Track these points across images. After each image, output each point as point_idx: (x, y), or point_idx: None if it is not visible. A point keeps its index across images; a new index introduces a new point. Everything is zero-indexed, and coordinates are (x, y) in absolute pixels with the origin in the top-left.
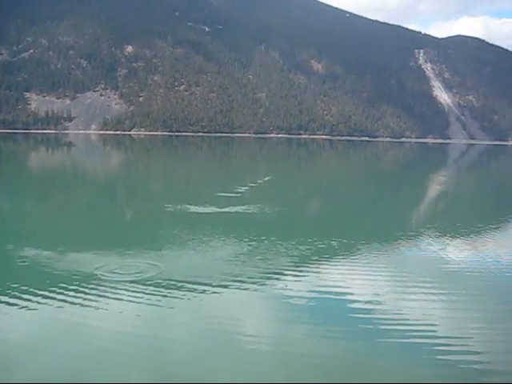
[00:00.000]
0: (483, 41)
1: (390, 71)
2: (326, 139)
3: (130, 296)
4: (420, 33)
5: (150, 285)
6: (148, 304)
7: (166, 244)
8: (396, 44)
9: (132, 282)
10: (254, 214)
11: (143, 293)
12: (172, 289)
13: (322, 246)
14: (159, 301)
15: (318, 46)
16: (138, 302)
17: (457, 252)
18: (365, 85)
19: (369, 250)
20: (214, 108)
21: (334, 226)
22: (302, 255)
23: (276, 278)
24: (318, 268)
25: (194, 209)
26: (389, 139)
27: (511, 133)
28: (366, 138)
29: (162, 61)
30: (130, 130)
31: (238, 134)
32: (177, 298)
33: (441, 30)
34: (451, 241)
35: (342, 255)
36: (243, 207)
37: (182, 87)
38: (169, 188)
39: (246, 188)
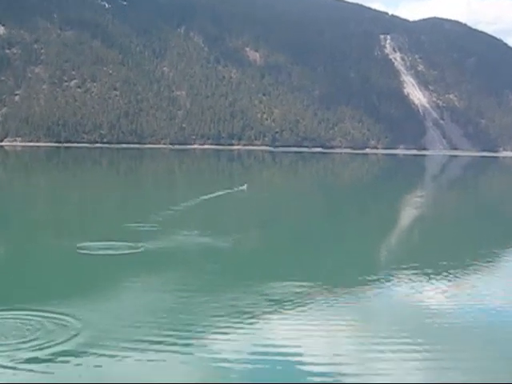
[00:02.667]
0: (465, 25)
1: (349, 62)
2: (266, 151)
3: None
4: (386, 14)
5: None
6: None
7: (58, 296)
8: (356, 28)
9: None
10: (176, 252)
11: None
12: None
13: (267, 291)
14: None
15: (254, 29)
16: None
17: (432, 297)
18: (316, 80)
19: (327, 297)
20: (116, 111)
21: (282, 267)
22: (241, 304)
23: (206, 337)
24: (262, 320)
25: (91, 246)
26: (349, 150)
27: (503, 141)
28: (319, 149)
29: (46, 47)
30: (1, 141)
31: (150, 146)
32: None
33: (412, 10)
34: (426, 282)
35: (293, 303)
36: (161, 243)
37: (74, 82)
38: (55, 217)
39: (163, 216)
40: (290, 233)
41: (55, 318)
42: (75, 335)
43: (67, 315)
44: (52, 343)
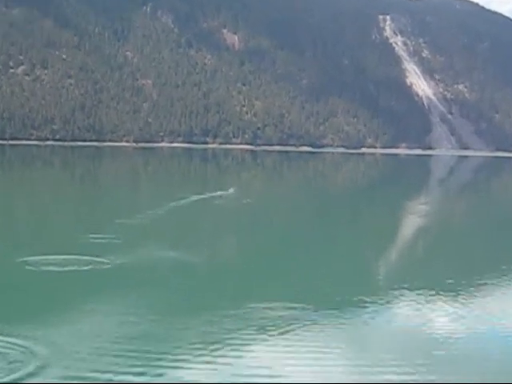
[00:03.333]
0: (477, 5)
1: (343, 47)
2: (246, 150)
3: None
4: None
5: None
6: None
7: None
8: (351, 6)
9: None
10: (143, 268)
11: None
12: None
13: (249, 313)
14: None
15: (232, 8)
16: None
17: (437, 320)
18: (304, 67)
19: (316, 320)
20: (71, 102)
21: (266, 284)
22: (218, 329)
23: (180, 365)
24: (243, 348)
25: (40, 261)
26: (342, 150)
27: None
28: (308, 149)
29: None
30: None
31: (110, 143)
32: None
33: None
34: (430, 303)
35: (278, 327)
36: (125, 258)
37: (21, 69)
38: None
39: (127, 226)
40: (275, 246)
41: None
42: (15, 369)
43: (6, 344)
44: None
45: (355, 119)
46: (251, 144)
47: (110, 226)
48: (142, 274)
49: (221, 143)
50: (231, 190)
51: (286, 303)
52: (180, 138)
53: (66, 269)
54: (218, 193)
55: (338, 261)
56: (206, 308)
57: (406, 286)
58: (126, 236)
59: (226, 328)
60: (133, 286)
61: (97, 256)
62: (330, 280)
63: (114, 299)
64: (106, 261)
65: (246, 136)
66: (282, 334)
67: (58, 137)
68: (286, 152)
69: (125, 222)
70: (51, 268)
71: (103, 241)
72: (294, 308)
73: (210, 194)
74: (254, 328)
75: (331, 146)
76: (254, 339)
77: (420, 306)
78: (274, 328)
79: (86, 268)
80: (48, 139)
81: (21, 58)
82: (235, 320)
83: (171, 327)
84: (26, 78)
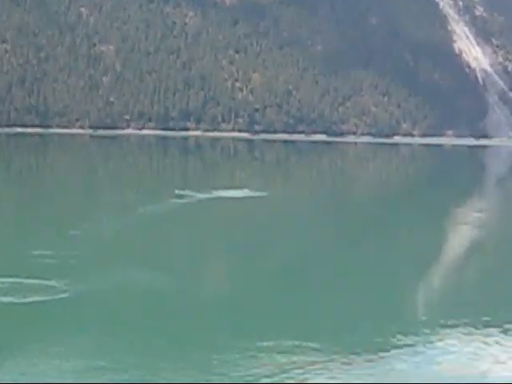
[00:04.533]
0: None
1: (368, 1)
2: (240, 139)
3: None
4: None
5: None
6: None
7: None
8: None
9: None
10: (108, 298)
11: None
12: None
13: (247, 360)
14: None
15: None
16: None
17: (485, 369)
18: (318, 29)
19: (333, 366)
20: (6, 76)
21: (269, 320)
22: (207, 378)
23: None
24: None
25: None
26: (368, 138)
27: None
28: (323, 137)
29: None
30: None
31: (59, 130)
32: None
33: None
34: (476, 347)
35: (286, 376)
36: (84, 283)
37: None
38: None
39: (84, 241)
40: (279, 267)
41: None
42: None
43: None
44: None
45: (386, 98)
46: (247, 131)
47: (60, 240)
48: (108, 305)
49: (206, 130)
50: (219, 194)
51: (297, 343)
52: (152, 124)
53: (5, 299)
54: (200, 196)
55: (362, 287)
56: (193, 349)
57: (447, 322)
58: (83, 252)
59: (219, 376)
60: (94, 321)
61: (46, 279)
62: (351, 312)
63: (70, 340)
64: (58, 285)
65: (240, 120)
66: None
67: None
68: (294, 142)
69: (80, 233)
70: None
71: (52, 259)
72: (308, 350)
73: (190, 199)
74: (257, 377)
75: (354, 133)
76: None
77: (463, 347)
78: (282, 375)
79: (32, 297)
80: None
81: None
82: (232, 368)
83: (145, 374)
84: None
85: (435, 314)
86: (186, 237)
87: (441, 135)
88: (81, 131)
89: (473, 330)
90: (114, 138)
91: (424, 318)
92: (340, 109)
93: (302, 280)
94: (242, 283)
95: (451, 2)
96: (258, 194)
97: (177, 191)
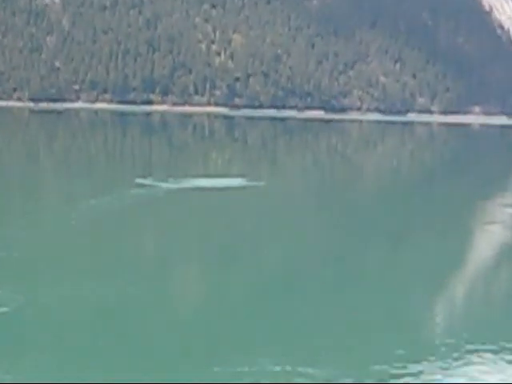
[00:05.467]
0: None
1: None
2: (217, 115)
3: None
4: None
5: None
6: None
7: None
8: None
9: None
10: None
11: None
12: None
13: None
14: None
15: None
16: None
17: None
18: None
19: None
20: None
21: (258, 346)
22: None
23: None
24: None
25: None
26: (376, 116)
27: None
28: (320, 114)
29: None
30: None
31: None
32: None
33: None
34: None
35: None
36: (22, 296)
37: None
38: None
39: (19, 239)
40: (267, 275)
41: None
42: None
43: None
44: None
45: (398, 66)
46: (225, 105)
47: None
48: (49, 321)
49: (175, 104)
50: (189, 184)
51: (291, 370)
52: (107, 96)
53: None
54: (166, 186)
55: (370, 303)
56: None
57: (476, 347)
58: (16, 256)
59: None
60: (37, 341)
61: None
62: (359, 334)
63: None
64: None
65: (218, 92)
66: None
67: None
68: (283, 120)
69: (14, 233)
70: None
71: None
72: (304, 378)
73: (154, 190)
74: None
75: (358, 109)
76: None
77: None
78: None
79: None
80: None
81: None
82: None
83: None
84: None
85: (456, 337)
86: (147, 238)
87: (466, 112)
88: (19, 104)
89: (500, 358)
90: (59, 113)
91: (442, 342)
92: (341, 79)
93: (299, 291)
94: (221, 296)
95: None
96: (238, 184)
97: (138, 180)
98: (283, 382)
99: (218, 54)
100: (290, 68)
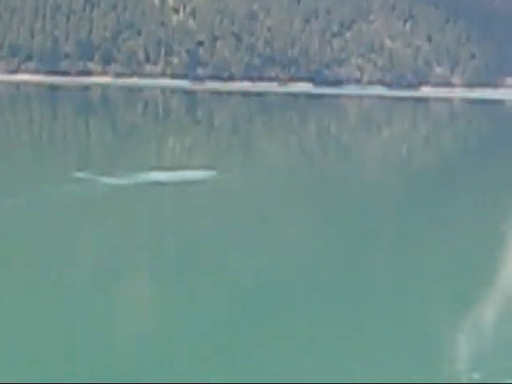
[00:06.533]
0: None
1: None
2: (173, 89)
3: None
4: None
5: None
6: None
7: None
8: None
9: None
10: None
11: None
12: None
13: None
14: None
15: None
16: None
17: None
18: None
19: None
20: None
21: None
22: None
23: None
24: None
25: None
26: (380, 90)
27: None
28: (308, 88)
29: None
30: None
31: None
32: None
33: None
34: None
35: None
36: None
37: None
38: None
39: None
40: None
41: None
42: None
43: None
44: None
45: (408, 26)
46: (185, 77)
47: None
48: None
49: (120, 75)
50: (140, 178)
51: None
52: (32, 64)
53: None
54: (112, 182)
55: (382, 327)
56: None
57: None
58: None
59: None
60: None
61: None
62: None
63: None
64: None
65: (175, 60)
66: None
67: None
68: (260, 95)
69: None
70: None
71: None
72: None
73: (97, 186)
74: None
75: (357, 82)
76: None
77: None
78: None
79: None
80: None
81: None
82: None
83: None
84: None
85: (486, 369)
86: (88, 248)
87: (496, 85)
88: None
89: None
90: None
91: (469, 376)
92: (335, 42)
93: (297, 310)
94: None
95: None
96: (201, 178)
97: (74, 174)
98: None
99: (176, 10)
100: (268, 29)
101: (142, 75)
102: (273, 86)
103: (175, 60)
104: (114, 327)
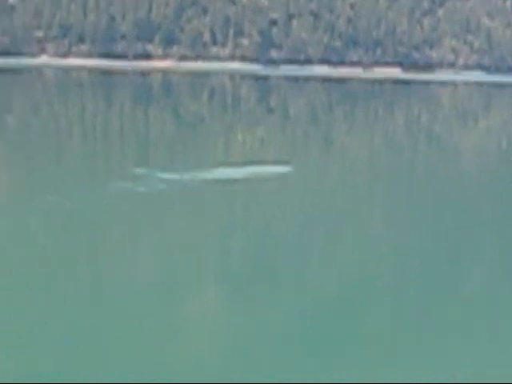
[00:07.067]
0: None
1: None
2: (244, 74)
3: None
4: None
5: None
6: None
7: None
8: None
9: None
10: None
11: None
12: None
13: None
14: None
15: None
16: None
17: None
18: None
19: None
20: None
21: None
22: None
23: None
24: None
25: None
26: (479, 75)
27: None
28: (396, 72)
29: None
30: None
31: None
32: None
33: None
34: None
35: None
36: None
37: None
38: None
39: None
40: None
41: None
42: None
43: None
44: None
45: (509, 2)
46: (257, 61)
47: None
48: None
49: (183, 58)
50: (212, 175)
51: None
52: (84, 47)
53: None
54: (177, 178)
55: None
56: None
57: None
58: None
59: None
60: None
61: None
62: None
63: None
64: None
65: (246, 42)
66: None
67: None
68: (341, 81)
69: None
70: None
71: None
72: None
73: (158, 184)
74: None
75: (451, 66)
76: None
77: None
78: None
79: None
80: None
81: None
82: None
83: None
84: None
85: None
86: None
87: None
88: None
89: None
90: (15, 72)
91: None
92: (426, 21)
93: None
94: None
95: None
96: (276, 174)
97: (133, 170)
98: None
99: None
100: (350, 6)
101: (207, 59)
102: (355, 71)
103: (245, 41)
104: (179, 334)
